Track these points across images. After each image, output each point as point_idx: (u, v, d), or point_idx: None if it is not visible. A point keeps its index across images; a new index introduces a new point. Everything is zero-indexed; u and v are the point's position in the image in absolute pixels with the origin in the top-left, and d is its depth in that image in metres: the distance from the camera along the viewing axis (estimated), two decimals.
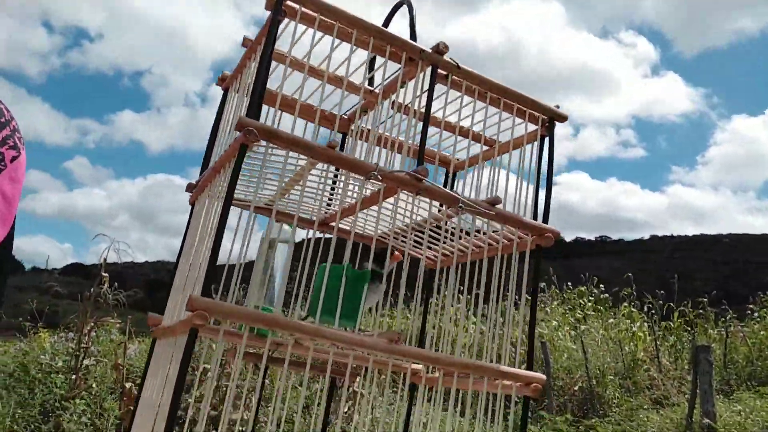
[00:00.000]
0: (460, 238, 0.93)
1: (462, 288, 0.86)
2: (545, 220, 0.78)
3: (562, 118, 0.82)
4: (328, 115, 0.96)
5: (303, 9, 0.76)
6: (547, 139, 0.84)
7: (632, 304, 8.18)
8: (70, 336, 4.31)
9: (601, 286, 8.93)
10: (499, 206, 0.77)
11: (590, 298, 8.76)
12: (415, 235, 0.98)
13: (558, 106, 0.84)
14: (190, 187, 0.88)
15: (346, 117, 1.01)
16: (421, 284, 0.85)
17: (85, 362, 3.82)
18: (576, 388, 6.13)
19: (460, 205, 0.70)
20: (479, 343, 0.75)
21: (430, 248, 0.99)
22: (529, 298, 0.76)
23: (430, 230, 0.92)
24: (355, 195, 0.83)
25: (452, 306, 0.85)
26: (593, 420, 5.23)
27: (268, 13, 0.74)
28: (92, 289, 3.91)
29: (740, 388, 5.91)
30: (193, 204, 0.86)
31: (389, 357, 0.65)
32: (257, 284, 0.71)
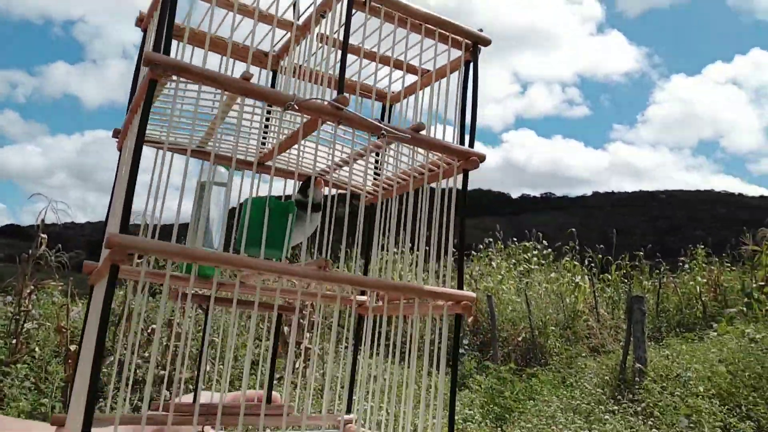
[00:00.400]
0: (385, 167, 0.94)
1: (396, 222, 0.88)
2: (471, 144, 0.79)
3: (486, 42, 0.82)
4: (257, 53, 0.94)
5: None
6: (471, 64, 0.84)
7: (574, 258, 8.54)
8: (8, 300, 4.16)
9: (545, 241, 9.26)
10: (424, 133, 0.77)
11: (534, 252, 9.09)
12: (355, 168, 0.98)
13: (481, 30, 0.84)
14: (116, 133, 0.85)
15: (275, 54, 0.99)
16: (360, 221, 0.87)
17: (27, 326, 3.71)
18: (520, 338, 6.41)
19: (383, 132, 0.70)
20: (410, 269, 0.77)
21: (361, 181, 1.00)
22: (457, 223, 0.78)
23: (365, 164, 0.93)
24: (285, 131, 0.82)
25: (385, 238, 0.86)
26: (535, 368, 5.50)
27: None
28: (30, 251, 3.77)
29: (669, 334, 6.32)
30: (120, 150, 0.83)
31: (321, 285, 0.66)
32: (192, 229, 0.70)
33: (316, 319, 0.90)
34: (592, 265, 8.42)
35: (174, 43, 0.64)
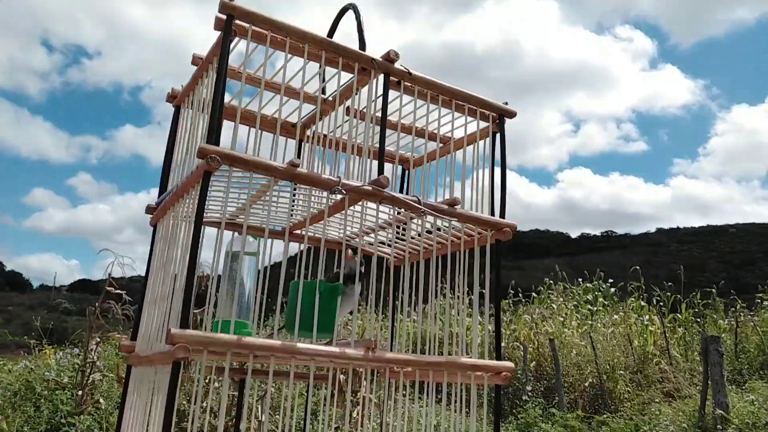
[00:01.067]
0: (419, 235, 0.95)
1: (429, 285, 0.87)
2: (502, 214, 0.80)
3: (511, 115, 0.85)
4: (284, 124, 0.98)
5: (253, 28, 0.76)
6: (498, 136, 0.86)
7: (640, 297, 8.13)
8: (75, 352, 4.30)
9: (609, 280, 8.89)
10: (458, 206, 0.79)
11: (598, 293, 8.72)
12: (383, 236, 1.00)
13: (506, 103, 0.86)
14: (149, 209, 0.88)
15: (302, 125, 1.03)
16: (390, 283, 0.87)
17: (93, 377, 3.80)
18: (586, 384, 6.09)
19: (422, 210, 0.71)
20: (449, 336, 0.75)
21: (397, 247, 1.01)
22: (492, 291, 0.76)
23: (396, 230, 0.95)
24: (319, 205, 0.85)
25: (417, 303, 0.85)
26: (605, 415, 5.18)
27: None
28: (96, 304, 3.90)
29: (753, 377, 5.85)
30: (155, 226, 0.86)
31: (369, 363, 0.65)
32: (224, 298, 0.71)
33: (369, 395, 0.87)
34: (661, 304, 7.99)
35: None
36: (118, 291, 3.86)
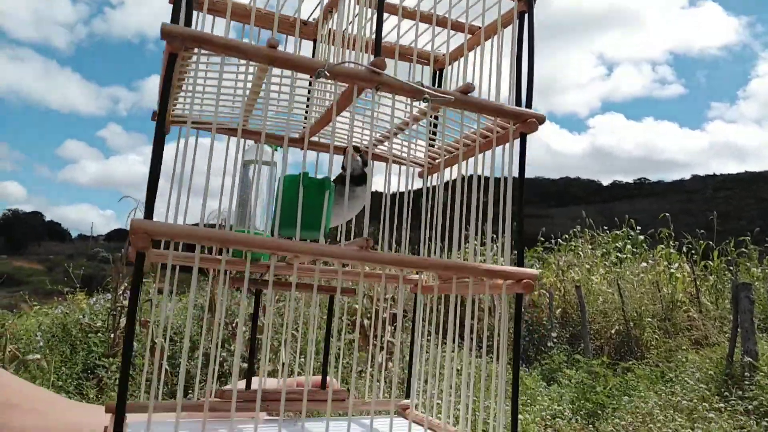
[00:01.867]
0: (433, 138, 0.87)
1: (447, 199, 0.80)
2: (528, 105, 0.70)
3: None
4: (292, 21, 0.89)
5: None
6: (526, 15, 0.75)
7: (671, 245, 7.98)
8: (107, 297, 4.43)
9: (638, 228, 8.73)
10: (475, 94, 0.69)
11: (627, 240, 8.59)
12: (400, 142, 0.92)
13: None
14: (154, 116, 0.83)
15: (313, 22, 0.94)
16: (410, 196, 0.80)
17: (122, 321, 3.92)
18: (612, 331, 6.06)
19: (426, 96, 0.62)
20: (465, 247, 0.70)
21: (412, 154, 0.94)
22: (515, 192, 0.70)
23: (413, 131, 0.86)
24: (327, 103, 0.76)
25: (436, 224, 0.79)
26: (630, 362, 5.17)
27: None
28: (122, 251, 3.98)
29: None
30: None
31: (363, 264, 0.60)
32: (235, 208, 0.66)
33: (395, 313, 0.84)
34: (693, 252, 7.83)
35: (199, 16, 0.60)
36: None
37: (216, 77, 0.73)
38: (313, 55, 0.90)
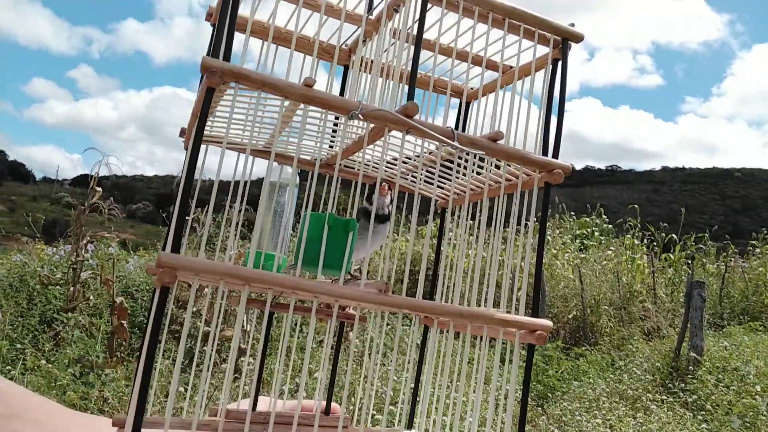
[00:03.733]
0: (464, 175, 0.86)
1: (470, 224, 0.81)
2: (555, 154, 0.70)
3: (577, 39, 0.73)
4: (326, 47, 0.88)
5: None
6: (560, 63, 0.74)
7: (635, 235, 8.18)
8: (68, 248, 4.35)
9: (604, 216, 8.91)
10: (502, 142, 0.69)
11: (595, 227, 8.76)
12: (426, 172, 0.91)
13: (573, 25, 0.74)
14: (182, 132, 0.82)
15: (346, 48, 0.93)
16: (431, 217, 0.80)
17: (83, 275, 3.86)
18: (570, 316, 6.23)
19: (456, 144, 0.62)
20: (481, 270, 0.71)
21: (440, 186, 0.93)
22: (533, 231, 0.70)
23: (441, 167, 0.86)
24: (355, 135, 0.76)
25: (458, 241, 0.80)
26: (584, 348, 5.34)
27: None
28: (86, 203, 3.90)
29: (732, 322, 5.99)
30: (186, 149, 0.82)
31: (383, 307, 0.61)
32: (257, 231, 0.67)
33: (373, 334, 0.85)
34: (654, 243, 8.04)
35: (241, 36, 0.58)
36: (97, 189, 3.85)
37: (245, 106, 0.73)
38: (344, 81, 0.89)
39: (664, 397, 3.80)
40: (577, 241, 8.48)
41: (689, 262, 7.75)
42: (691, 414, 3.56)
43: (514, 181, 0.74)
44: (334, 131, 0.87)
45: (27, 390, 0.69)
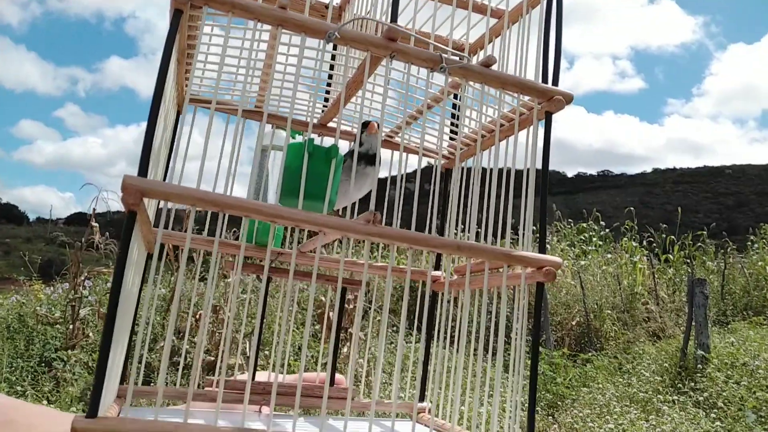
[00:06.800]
0: (464, 120, 0.80)
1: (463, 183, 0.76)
2: (555, 83, 0.66)
3: None
4: (315, 5, 0.85)
5: None
6: None
7: (633, 238, 8.18)
8: (65, 287, 4.31)
9: (602, 222, 8.92)
10: (496, 68, 0.65)
11: (591, 233, 8.76)
12: (426, 129, 0.86)
13: None
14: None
15: (337, 5, 0.90)
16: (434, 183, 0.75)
17: (82, 312, 3.82)
18: (574, 323, 6.19)
19: (443, 65, 0.58)
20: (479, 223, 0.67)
21: (451, 137, 0.87)
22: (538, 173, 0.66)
23: (436, 115, 0.80)
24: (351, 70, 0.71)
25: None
26: (590, 354, 5.30)
27: None
28: (83, 239, 3.87)
29: (736, 318, 5.97)
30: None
31: (369, 239, 0.57)
32: (251, 192, 0.62)
33: (382, 301, 0.82)
34: (654, 245, 8.05)
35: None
36: (94, 225, 3.83)
37: (230, 53, 0.70)
38: (335, 47, 0.84)
39: (675, 397, 3.76)
40: (576, 247, 8.47)
41: (689, 261, 7.75)
42: (704, 413, 3.52)
43: (513, 119, 0.69)
44: (329, 85, 0.83)
45: (22, 401, 0.68)
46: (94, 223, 3.95)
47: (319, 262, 0.60)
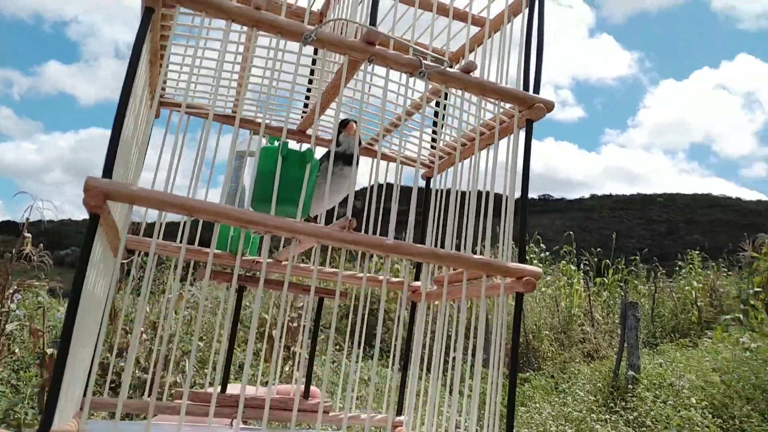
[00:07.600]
0: (445, 127, 0.79)
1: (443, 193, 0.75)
2: (536, 90, 0.67)
3: None
4: (296, 10, 0.84)
5: None
6: (537, 1, 0.72)
7: (571, 261, 8.48)
8: None
9: (542, 245, 9.20)
10: (477, 74, 0.65)
11: (533, 255, 9.01)
12: (408, 134, 0.85)
13: None
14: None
15: (318, 12, 0.89)
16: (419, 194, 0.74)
17: (8, 327, 3.63)
18: None
19: (422, 69, 0.58)
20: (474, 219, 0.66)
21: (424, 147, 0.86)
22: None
23: (418, 122, 0.79)
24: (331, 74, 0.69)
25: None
26: (528, 373, 5.43)
27: None
28: (14, 251, 3.69)
29: (664, 340, 6.25)
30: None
31: (344, 246, 0.56)
32: (225, 196, 0.60)
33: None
34: (588, 268, 8.36)
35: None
36: (27, 235, 3.66)
37: (210, 55, 0.68)
38: (315, 52, 0.82)
39: (607, 416, 3.90)
40: None
41: (622, 284, 8.09)
42: (633, 431, 3.67)
43: (493, 127, 0.68)
44: (308, 90, 0.81)
45: None
46: (26, 234, 3.77)
47: (292, 271, 0.59)
